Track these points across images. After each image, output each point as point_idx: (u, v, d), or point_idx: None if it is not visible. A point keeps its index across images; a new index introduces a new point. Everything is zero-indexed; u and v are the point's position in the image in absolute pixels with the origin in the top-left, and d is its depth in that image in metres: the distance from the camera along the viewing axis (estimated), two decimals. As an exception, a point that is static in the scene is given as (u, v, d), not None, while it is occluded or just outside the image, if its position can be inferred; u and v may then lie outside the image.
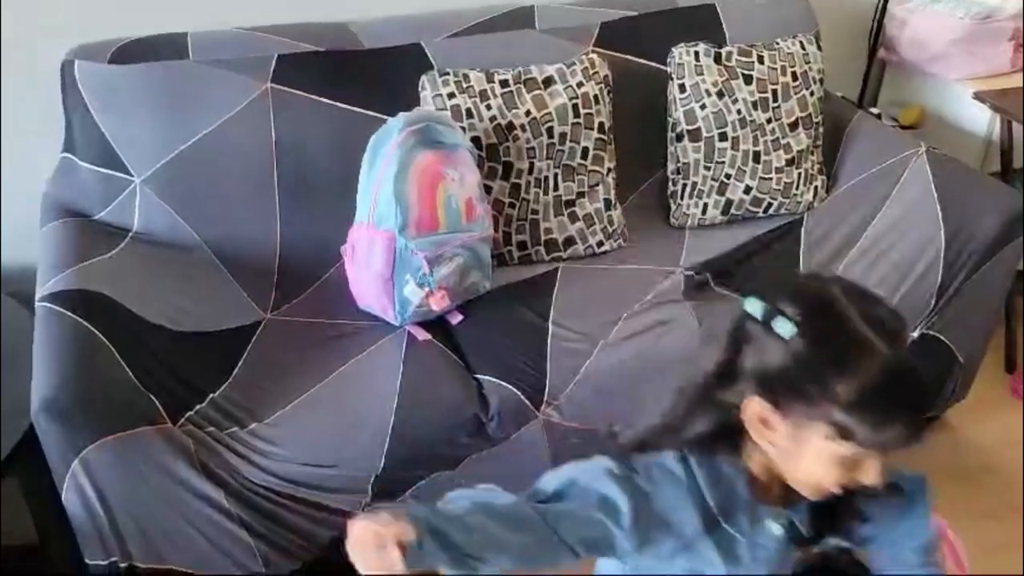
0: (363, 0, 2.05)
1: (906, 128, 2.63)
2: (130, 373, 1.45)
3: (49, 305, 1.49)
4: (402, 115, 1.73)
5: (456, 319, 1.81)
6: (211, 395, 1.55)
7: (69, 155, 1.81)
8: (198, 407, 1.51)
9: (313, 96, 1.89)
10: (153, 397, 1.45)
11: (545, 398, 1.65)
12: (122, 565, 1.46)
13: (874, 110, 2.59)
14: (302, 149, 1.89)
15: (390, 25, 2.02)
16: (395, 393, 1.59)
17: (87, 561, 1.46)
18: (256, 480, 1.49)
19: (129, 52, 1.80)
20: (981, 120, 2.50)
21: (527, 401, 1.63)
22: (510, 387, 1.63)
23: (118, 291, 1.60)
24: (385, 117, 1.83)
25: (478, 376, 1.67)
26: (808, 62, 2.17)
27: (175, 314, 1.66)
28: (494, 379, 1.65)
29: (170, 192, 1.81)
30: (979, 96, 2.32)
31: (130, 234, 1.80)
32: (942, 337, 1.98)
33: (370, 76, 1.94)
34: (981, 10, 2.47)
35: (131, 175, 1.79)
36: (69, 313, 1.47)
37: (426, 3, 2.09)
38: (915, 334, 1.94)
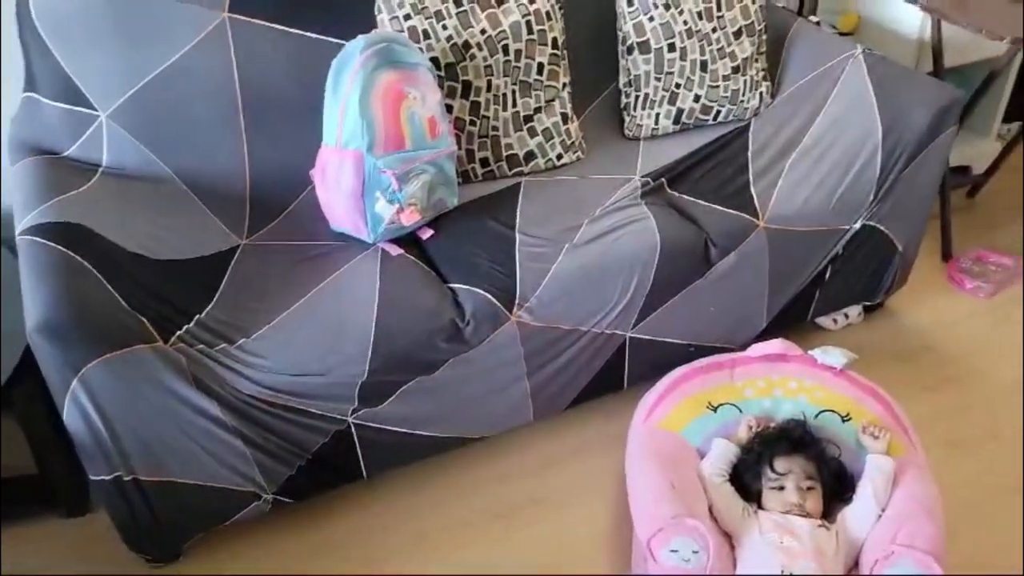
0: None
1: (844, 35, 2.73)
2: (118, 296, 1.51)
3: (31, 238, 1.53)
4: (361, 37, 1.77)
5: (426, 234, 1.89)
6: (197, 316, 1.61)
7: (32, 93, 1.83)
8: (187, 327, 1.58)
9: (271, 24, 1.92)
10: (143, 318, 1.51)
11: (516, 301, 1.74)
12: (126, 479, 1.54)
13: (813, 18, 2.68)
14: (264, 76, 1.92)
15: (344, -52, 2.04)
16: (374, 303, 1.67)
17: (91, 477, 1.54)
18: (248, 392, 1.57)
19: (81, -16, 1.81)
20: (914, 24, 2.60)
21: (500, 305, 1.72)
22: (483, 292, 1.72)
23: (96, 223, 1.64)
24: (342, 42, 1.87)
25: (452, 285, 1.76)
26: (749, -29, 2.25)
27: (152, 243, 1.71)
28: (467, 287, 1.74)
29: (137, 125, 1.84)
30: (911, -1, 2.42)
31: (100, 169, 1.83)
32: (882, 227, 2.11)
33: (324, 1, 1.97)
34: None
35: (96, 110, 1.82)
36: (52, 244, 1.51)
37: (374, -73, 2.11)
38: (857, 225, 2.07)
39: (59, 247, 1.51)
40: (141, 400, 1.48)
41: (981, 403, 2.10)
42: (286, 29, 1.93)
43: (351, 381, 1.63)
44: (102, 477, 1.53)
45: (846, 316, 2.32)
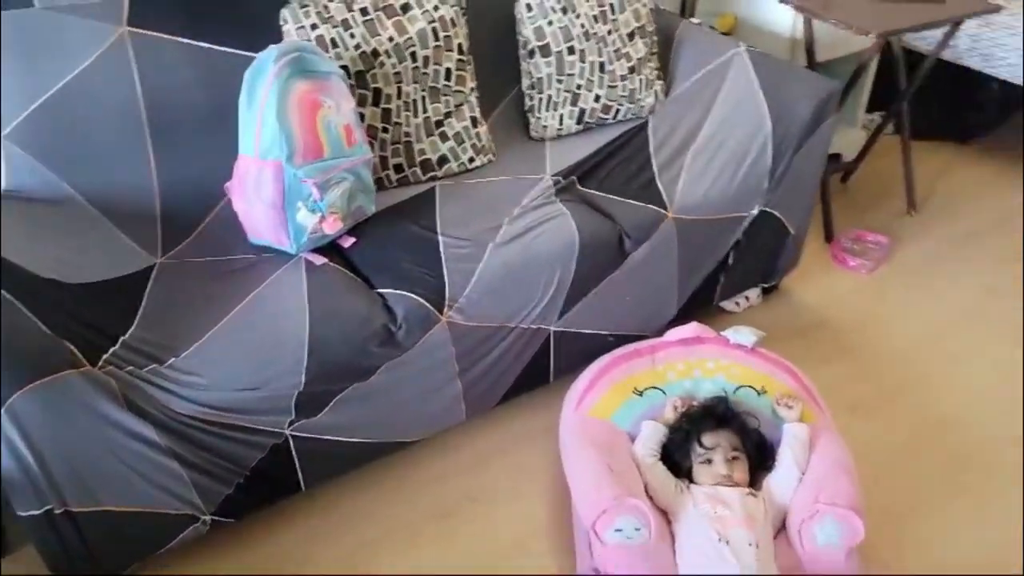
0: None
1: (723, 35, 2.88)
2: (39, 323, 1.45)
3: (-61, 268, 1.45)
4: (273, 47, 1.75)
5: (348, 242, 1.89)
6: (122, 338, 1.56)
7: (-83, 118, 1.73)
8: (113, 350, 1.52)
9: (173, 37, 1.88)
10: (68, 343, 1.46)
11: (447, 302, 1.76)
12: (58, 512, 1.47)
13: (694, 20, 2.83)
14: (168, 90, 1.88)
15: (238, -38, 2.02)
16: (305, 313, 1.66)
17: (19, 513, 1.46)
18: (183, 411, 1.53)
19: (-33, 3, 1.73)
20: (787, 23, 2.78)
21: (431, 307, 1.74)
22: (413, 296, 1.74)
23: (3, 249, 1.57)
24: (249, 53, 1.86)
25: (380, 291, 1.76)
26: (637, -25, 2.35)
27: (64, 267, 1.64)
28: (397, 291, 1.75)
29: (36, 145, 1.77)
30: (784, -1, 2.59)
31: (-1, 193, 1.75)
32: (776, 212, 2.25)
33: (226, 13, 1.94)
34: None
35: (-9, 131, 1.74)
36: (-37, 273, 1.44)
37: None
38: (755, 212, 2.20)
39: (-29, 276, 1.43)
40: (72, 428, 1.42)
41: (875, 369, 2.27)
42: (190, 42, 1.89)
43: (288, 392, 1.62)
44: (32, 512, 1.46)
45: (747, 299, 2.46)
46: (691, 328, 2.03)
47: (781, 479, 1.73)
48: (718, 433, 1.77)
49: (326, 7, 1.96)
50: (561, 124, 2.31)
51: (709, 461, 1.74)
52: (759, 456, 1.79)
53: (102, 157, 1.83)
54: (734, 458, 1.74)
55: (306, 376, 1.62)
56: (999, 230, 2.87)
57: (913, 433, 2.06)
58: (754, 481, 1.76)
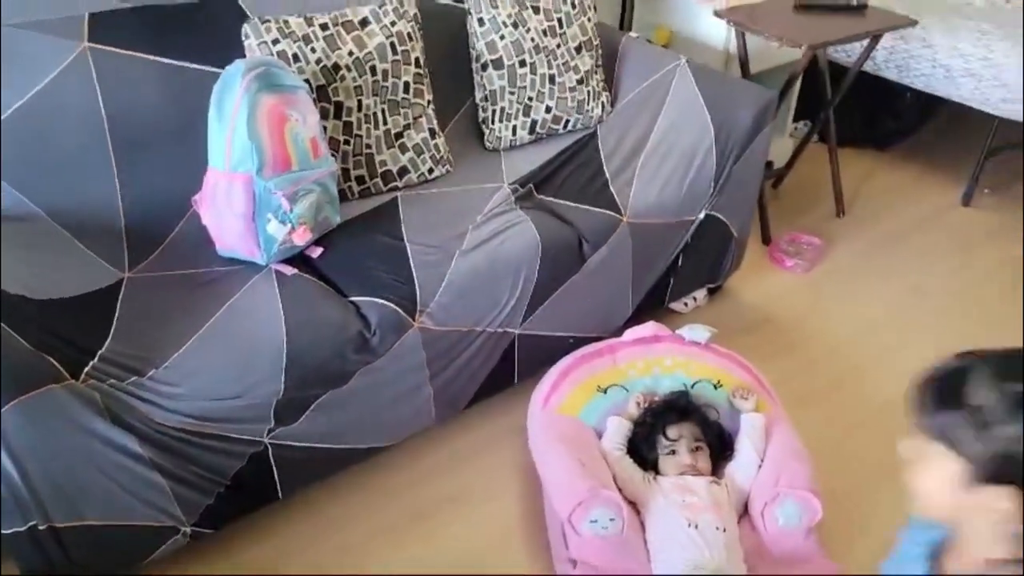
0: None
1: (662, 47, 3.01)
2: (18, 337, 1.44)
3: (-92, 285, 1.43)
4: (240, 61, 1.78)
5: (316, 252, 1.92)
6: (99, 352, 1.56)
7: None
8: (92, 363, 1.53)
9: (135, 53, 1.89)
10: (49, 357, 1.45)
11: (418, 307, 1.81)
12: (41, 527, 1.46)
13: (632, 34, 2.94)
14: (131, 106, 1.89)
15: (197, -23, 2.03)
16: (281, 321, 1.69)
17: (3, 532, 1.45)
18: (164, 422, 1.54)
19: (-77, 19, 1.71)
20: (720, 36, 2.92)
21: (403, 312, 1.79)
22: (386, 302, 1.78)
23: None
24: (211, 68, 1.89)
25: (352, 299, 1.80)
26: (582, -8, 2.45)
27: (33, 283, 1.63)
28: (368, 298, 1.79)
29: (-2, 162, 1.75)
30: (719, 14, 2.72)
31: (-39, 210, 1.72)
32: (720, 216, 2.37)
33: (187, 29, 1.96)
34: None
35: (-49, 148, 1.72)
36: (-65, 290, 1.43)
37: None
38: (702, 216, 2.31)
39: (-55, 293, 1.42)
40: (57, 442, 1.42)
41: (818, 362, 2.40)
42: (152, 58, 1.90)
43: (268, 400, 1.64)
44: (15, 529, 1.44)
45: (695, 299, 2.57)
46: (649, 327, 2.12)
47: (741, 466, 1.83)
48: (681, 425, 1.86)
49: (287, 23, 1.99)
50: (514, 135, 2.39)
51: (674, 452, 1.83)
52: (720, 445, 1.89)
53: (65, 173, 1.83)
54: (697, 448, 1.84)
55: (285, 383, 1.65)
56: (920, 230, 3.07)
57: (854, 419, 2.20)
58: (716, 469, 1.85)
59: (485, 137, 2.39)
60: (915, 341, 2.49)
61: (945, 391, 1.02)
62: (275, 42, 1.96)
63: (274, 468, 1.74)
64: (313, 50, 2.00)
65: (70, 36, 1.82)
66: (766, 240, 2.94)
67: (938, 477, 1.03)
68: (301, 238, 1.85)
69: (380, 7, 2.11)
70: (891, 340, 2.50)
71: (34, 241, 1.76)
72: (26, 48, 1.78)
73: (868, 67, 3.20)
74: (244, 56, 1.95)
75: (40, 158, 1.80)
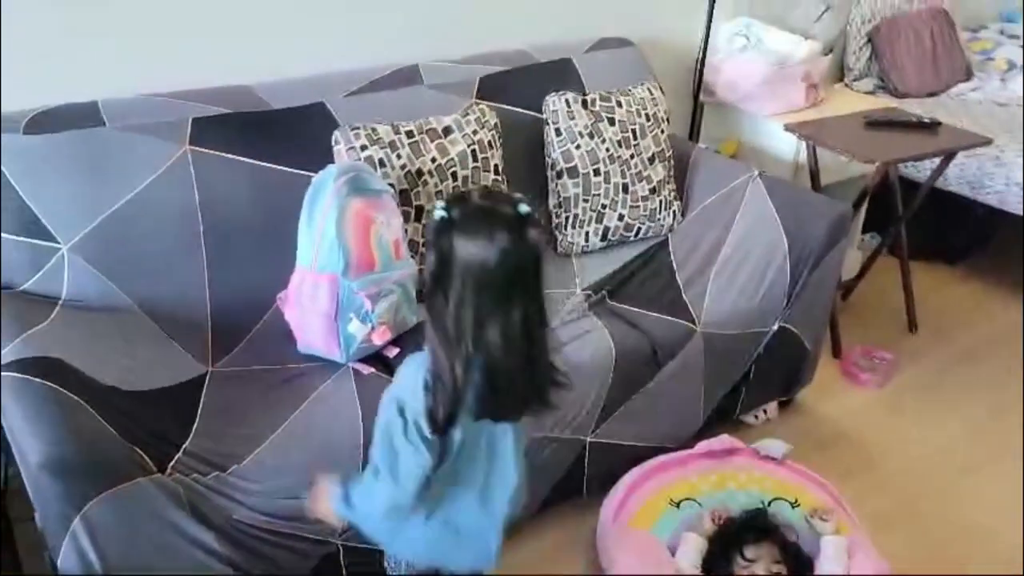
0: (260, 65, 2.16)
1: (731, 159, 3.05)
2: (112, 429, 1.47)
3: (14, 374, 1.48)
4: (332, 166, 1.86)
5: (392, 352, 1.94)
6: (183, 445, 1.59)
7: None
8: (177, 456, 1.55)
9: (230, 155, 1.98)
10: (138, 450, 1.48)
11: (494, 411, 1.81)
12: (114, 621, 1.46)
13: (701, 145, 3.00)
14: (224, 205, 1.96)
15: (291, 87, 2.14)
16: (359, 420, 1.70)
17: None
18: (242, 519, 1.54)
19: (42, 122, 1.83)
20: (789, 148, 2.95)
21: (478, 416, 1.79)
22: (462, 405, 1.78)
23: (68, 356, 1.60)
24: (303, 172, 1.97)
25: (428, 400, 1.80)
26: (656, 104, 2.52)
27: (123, 375, 1.67)
28: (444, 400, 1.79)
29: (98, 257, 1.83)
30: (789, 128, 2.77)
31: (60, 302, 1.79)
32: (793, 328, 2.35)
33: (281, 134, 2.05)
34: (776, 58, 2.95)
35: (58, 243, 1.79)
36: (38, 379, 1.47)
37: (319, 66, 2.24)
38: (775, 327, 2.29)
39: (48, 383, 1.47)
40: (138, 534, 1.43)
41: (894, 482, 2.32)
42: (246, 160, 1.99)
43: (343, 501, 1.63)
44: (89, 617, 1.45)
45: (765, 412, 2.52)
46: (723, 440, 2.08)
47: (823, 591, 1.76)
48: (760, 545, 1.79)
49: (375, 130, 2.07)
50: (587, 241, 2.42)
51: (752, 574, 1.76)
52: (798, 568, 1.82)
53: (160, 268, 1.89)
54: (776, 572, 1.77)
55: (360, 484, 1.64)
56: (995, 346, 3.00)
57: (935, 543, 2.10)
58: (794, 593, 1.78)
59: (558, 242, 2.43)
60: (994, 461, 2.40)
61: None
62: (363, 148, 2.04)
63: (343, 569, 1.72)
64: (399, 156, 2.07)
65: (174, 139, 1.92)
66: (836, 353, 2.89)
67: None
68: (381, 338, 1.88)
69: (464, 116, 2.19)
70: (969, 460, 2.42)
71: (126, 334, 1.81)
72: (136, 148, 1.87)
73: (939, 183, 3.19)
74: (333, 161, 2.03)
75: (136, 253, 1.87)
